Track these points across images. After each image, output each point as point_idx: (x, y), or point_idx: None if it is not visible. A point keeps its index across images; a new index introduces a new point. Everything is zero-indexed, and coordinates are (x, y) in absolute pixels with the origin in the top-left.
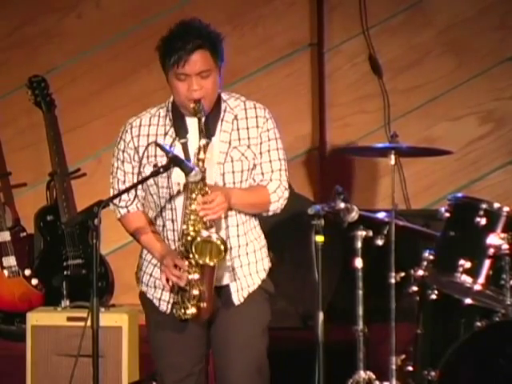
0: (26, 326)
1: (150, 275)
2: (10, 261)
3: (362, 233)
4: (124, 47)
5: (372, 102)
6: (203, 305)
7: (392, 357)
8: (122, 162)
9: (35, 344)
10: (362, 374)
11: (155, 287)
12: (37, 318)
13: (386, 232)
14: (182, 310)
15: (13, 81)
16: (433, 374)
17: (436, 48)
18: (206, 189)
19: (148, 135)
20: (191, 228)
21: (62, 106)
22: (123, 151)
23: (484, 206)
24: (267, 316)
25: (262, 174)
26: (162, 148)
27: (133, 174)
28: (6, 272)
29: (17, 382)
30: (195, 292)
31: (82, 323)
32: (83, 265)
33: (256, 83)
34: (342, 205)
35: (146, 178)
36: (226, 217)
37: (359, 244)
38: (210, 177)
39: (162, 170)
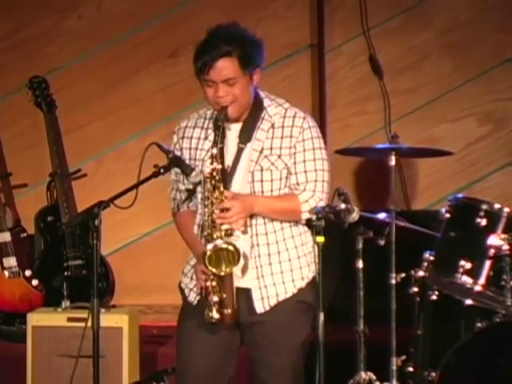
0: (27, 327)
1: (191, 266)
2: (11, 261)
3: (362, 233)
4: (124, 49)
5: (372, 103)
6: (227, 311)
7: (392, 357)
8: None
9: (36, 345)
10: (363, 375)
11: (191, 278)
12: (37, 318)
13: (386, 233)
14: (210, 314)
15: (14, 82)
16: (433, 374)
17: (436, 49)
18: (223, 196)
19: (191, 138)
20: (209, 237)
21: (62, 107)
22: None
23: (484, 206)
24: (304, 330)
25: (297, 183)
26: (162, 148)
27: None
28: (6, 273)
29: (17, 382)
30: (215, 298)
31: (82, 324)
32: (84, 265)
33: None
34: (343, 205)
35: (147, 179)
36: (253, 225)
37: (360, 245)
38: (240, 184)
39: (162, 170)
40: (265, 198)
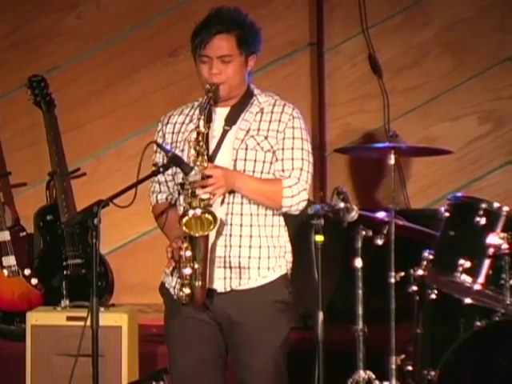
0: (26, 326)
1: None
2: (10, 260)
3: (361, 232)
4: (124, 47)
5: (372, 102)
6: (198, 283)
7: (392, 356)
8: (155, 152)
9: (35, 344)
10: (362, 374)
11: (172, 275)
12: (36, 317)
13: (385, 232)
14: (181, 293)
15: (13, 81)
16: (432, 373)
17: (435, 48)
18: (205, 164)
19: (175, 123)
20: (188, 206)
21: (61, 106)
22: (156, 141)
23: (484, 205)
24: (283, 329)
25: (283, 170)
26: (161, 147)
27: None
28: (5, 271)
29: (16, 381)
30: (187, 271)
31: (81, 323)
32: (83, 264)
33: (256, 83)
34: (342, 204)
35: (146, 178)
36: (230, 203)
37: (359, 244)
38: (223, 163)
39: (161, 169)
40: (247, 175)
